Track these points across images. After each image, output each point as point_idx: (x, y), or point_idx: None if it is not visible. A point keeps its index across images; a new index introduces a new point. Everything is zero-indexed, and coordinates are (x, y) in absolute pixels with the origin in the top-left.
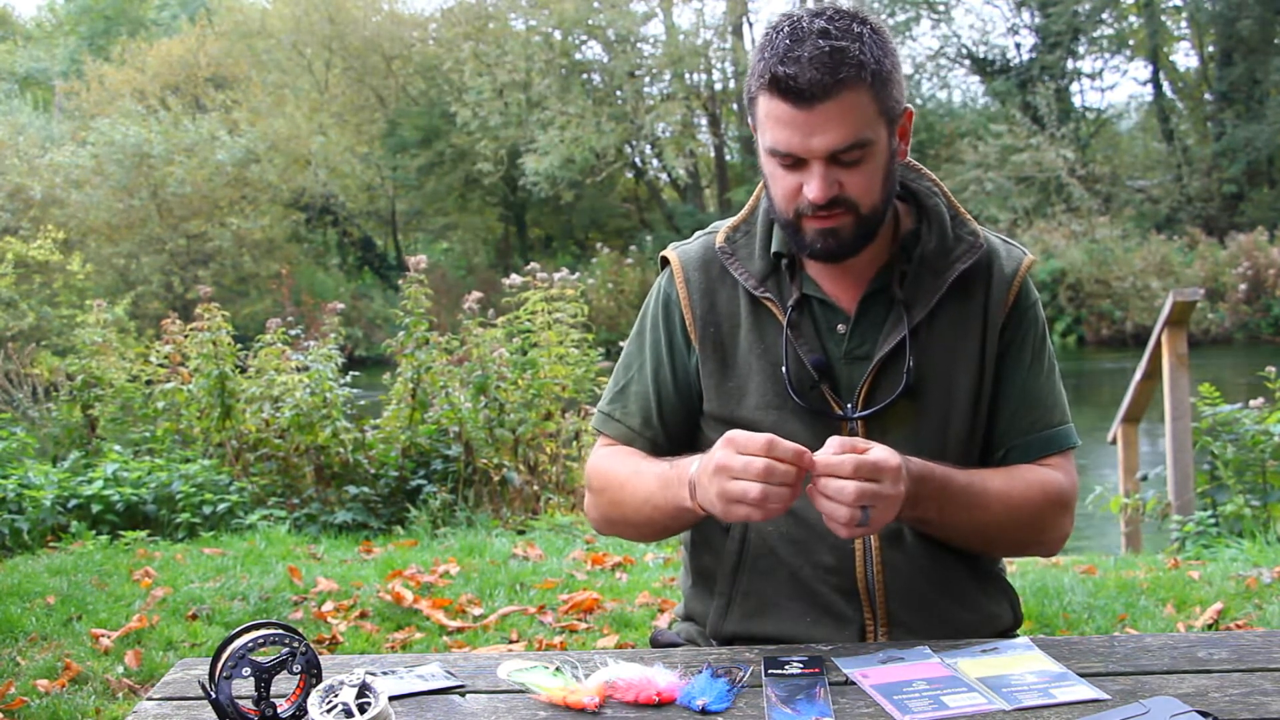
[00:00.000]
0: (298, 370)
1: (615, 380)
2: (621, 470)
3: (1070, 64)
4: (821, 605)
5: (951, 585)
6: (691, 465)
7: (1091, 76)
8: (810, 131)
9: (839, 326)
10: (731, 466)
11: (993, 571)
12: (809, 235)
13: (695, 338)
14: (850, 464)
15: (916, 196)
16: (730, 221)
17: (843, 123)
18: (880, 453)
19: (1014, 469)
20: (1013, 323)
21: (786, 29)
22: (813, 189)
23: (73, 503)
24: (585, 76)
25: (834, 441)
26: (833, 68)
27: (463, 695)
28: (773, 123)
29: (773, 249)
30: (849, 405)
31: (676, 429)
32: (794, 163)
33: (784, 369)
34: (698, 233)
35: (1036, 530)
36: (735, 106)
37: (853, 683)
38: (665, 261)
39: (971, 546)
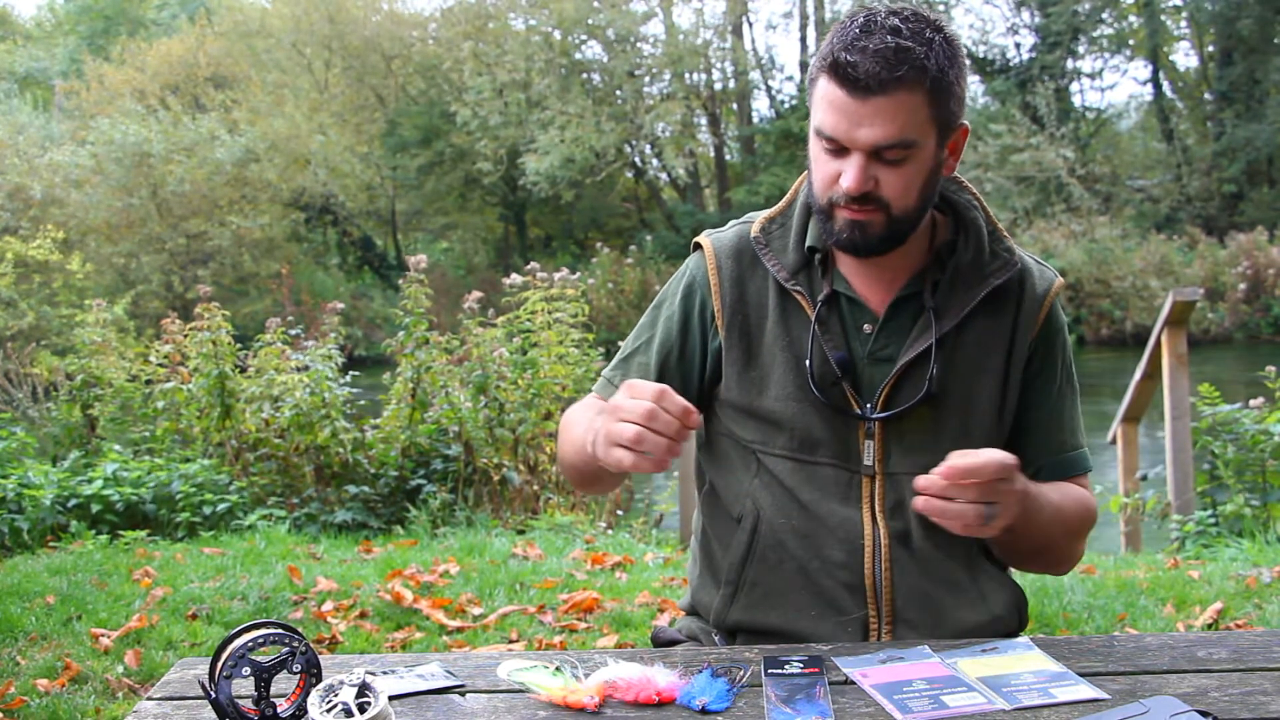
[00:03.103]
0: (297, 370)
1: (623, 349)
2: (578, 416)
3: (1070, 64)
4: (827, 600)
5: (958, 586)
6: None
7: (1091, 76)
8: (859, 122)
9: (865, 326)
10: (621, 408)
11: (1000, 574)
12: (839, 224)
13: (721, 325)
14: (994, 467)
15: (956, 209)
16: (768, 212)
17: (891, 120)
18: (998, 453)
19: (1059, 485)
20: (1043, 344)
21: (861, 19)
22: (848, 178)
23: (72, 502)
24: (585, 76)
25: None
26: (894, 65)
27: (463, 695)
28: (826, 105)
29: (807, 243)
30: (869, 405)
31: None
32: (838, 149)
33: (808, 363)
34: (732, 221)
35: (1072, 545)
36: (735, 106)
37: (852, 682)
38: (698, 246)
39: (1022, 557)
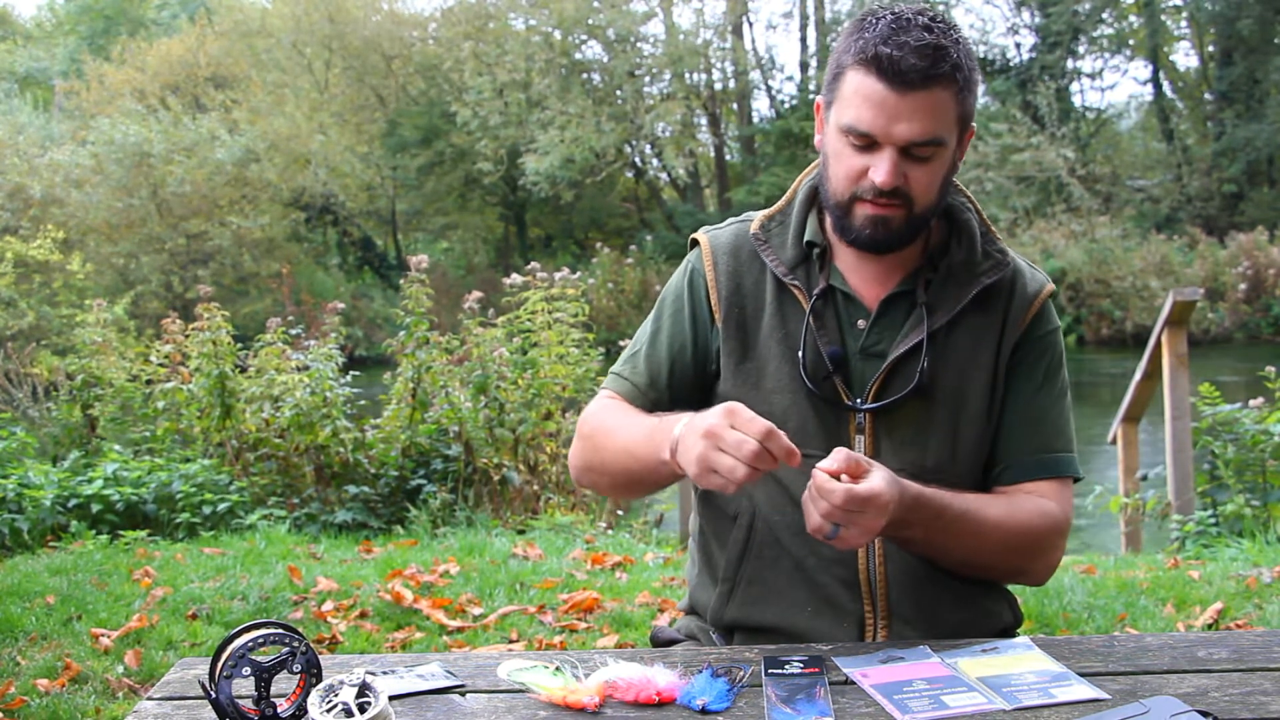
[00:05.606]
0: (298, 370)
1: (631, 347)
2: (611, 419)
3: (1070, 64)
4: (822, 596)
5: (952, 583)
6: (678, 423)
7: (1091, 76)
8: (897, 116)
9: (859, 322)
10: (724, 439)
11: None
12: (858, 220)
13: (719, 317)
14: (841, 495)
15: (950, 211)
16: (767, 210)
17: (929, 116)
18: (875, 485)
19: (1014, 499)
20: (1026, 343)
21: (889, 16)
22: (881, 173)
23: (73, 502)
24: (585, 76)
25: (839, 454)
26: (934, 60)
27: (463, 695)
28: (860, 100)
29: (805, 238)
30: (859, 398)
31: (683, 395)
32: (867, 144)
33: (800, 354)
34: (730, 219)
35: (1027, 560)
36: (735, 106)
37: (853, 682)
38: (695, 243)
39: (957, 570)
